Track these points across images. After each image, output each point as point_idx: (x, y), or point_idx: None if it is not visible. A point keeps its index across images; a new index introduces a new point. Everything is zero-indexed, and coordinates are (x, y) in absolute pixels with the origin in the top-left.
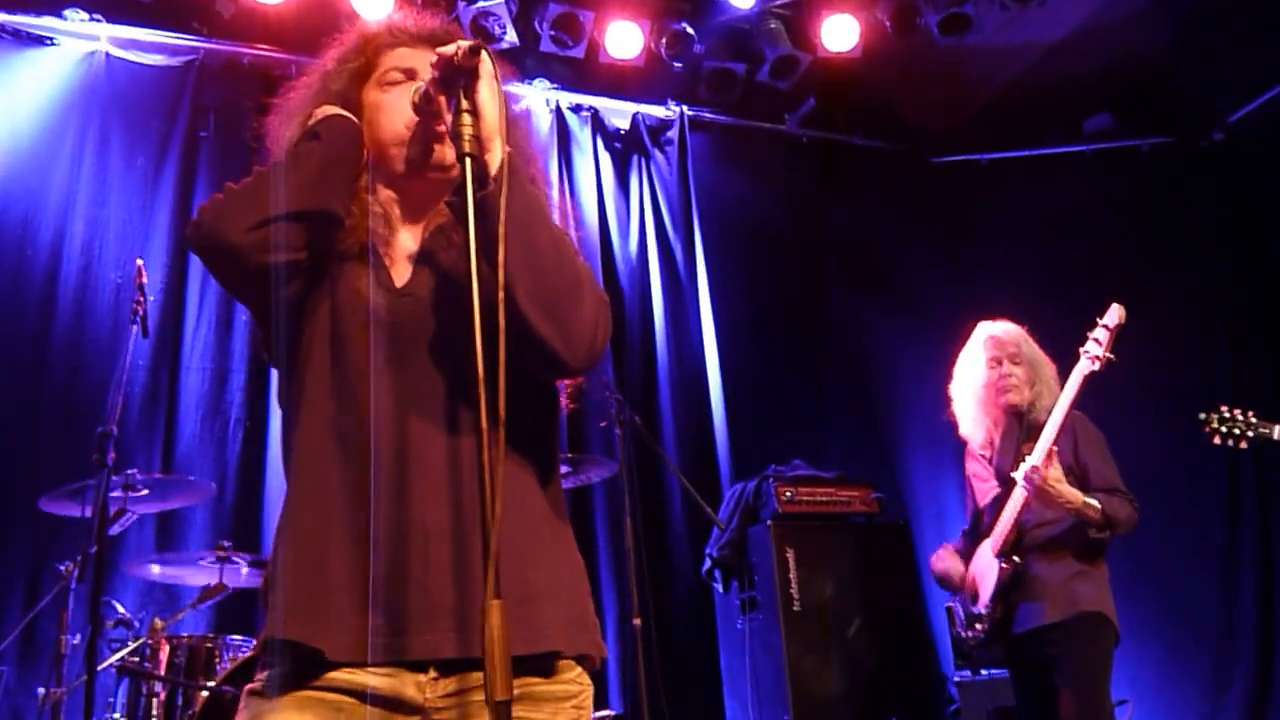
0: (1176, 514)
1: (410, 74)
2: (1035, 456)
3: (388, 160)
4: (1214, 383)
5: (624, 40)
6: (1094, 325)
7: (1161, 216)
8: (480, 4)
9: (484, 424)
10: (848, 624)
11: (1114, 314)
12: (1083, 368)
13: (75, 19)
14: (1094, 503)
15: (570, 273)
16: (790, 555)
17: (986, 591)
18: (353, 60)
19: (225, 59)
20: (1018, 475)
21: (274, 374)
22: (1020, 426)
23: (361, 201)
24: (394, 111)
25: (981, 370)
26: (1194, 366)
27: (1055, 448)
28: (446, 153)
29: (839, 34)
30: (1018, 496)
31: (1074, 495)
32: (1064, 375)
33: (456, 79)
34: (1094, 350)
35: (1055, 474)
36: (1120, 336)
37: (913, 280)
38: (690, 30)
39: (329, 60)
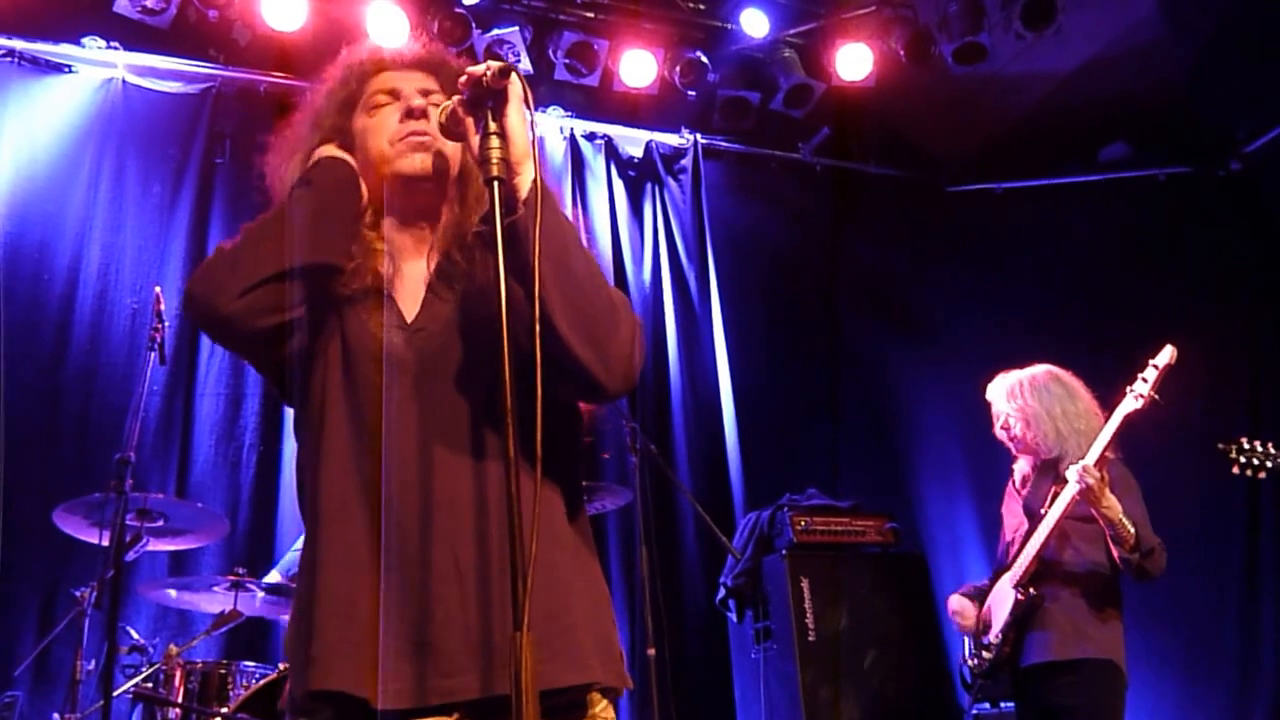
0: (1195, 542)
1: (394, 94)
2: (1089, 458)
3: (380, 179)
4: (1233, 412)
5: (638, 69)
6: (1144, 364)
7: (1178, 246)
8: (495, 32)
9: (511, 454)
10: (863, 655)
11: (1165, 355)
12: (1126, 405)
13: (93, 46)
14: (1129, 524)
15: (606, 297)
16: (805, 585)
17: (999, 621)
18: (340, 91)
19: (241, 86)
20: (1070, 474)
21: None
22: (1053, 471)
23: (364, 240)
24: (379, 131)
25: (997, 429)
26: (1212, 396)
27: (1110, 455)
28: (432, 158)
29: (853, 63)
30: (1042, 531)
31: (1115, 507)
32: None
33: (484, 100)
34: (1140, 389)
35: (1097, 477)
36: (1168, 378)
37: (927, 309)
38: (704, 59)
39: (318, 95)
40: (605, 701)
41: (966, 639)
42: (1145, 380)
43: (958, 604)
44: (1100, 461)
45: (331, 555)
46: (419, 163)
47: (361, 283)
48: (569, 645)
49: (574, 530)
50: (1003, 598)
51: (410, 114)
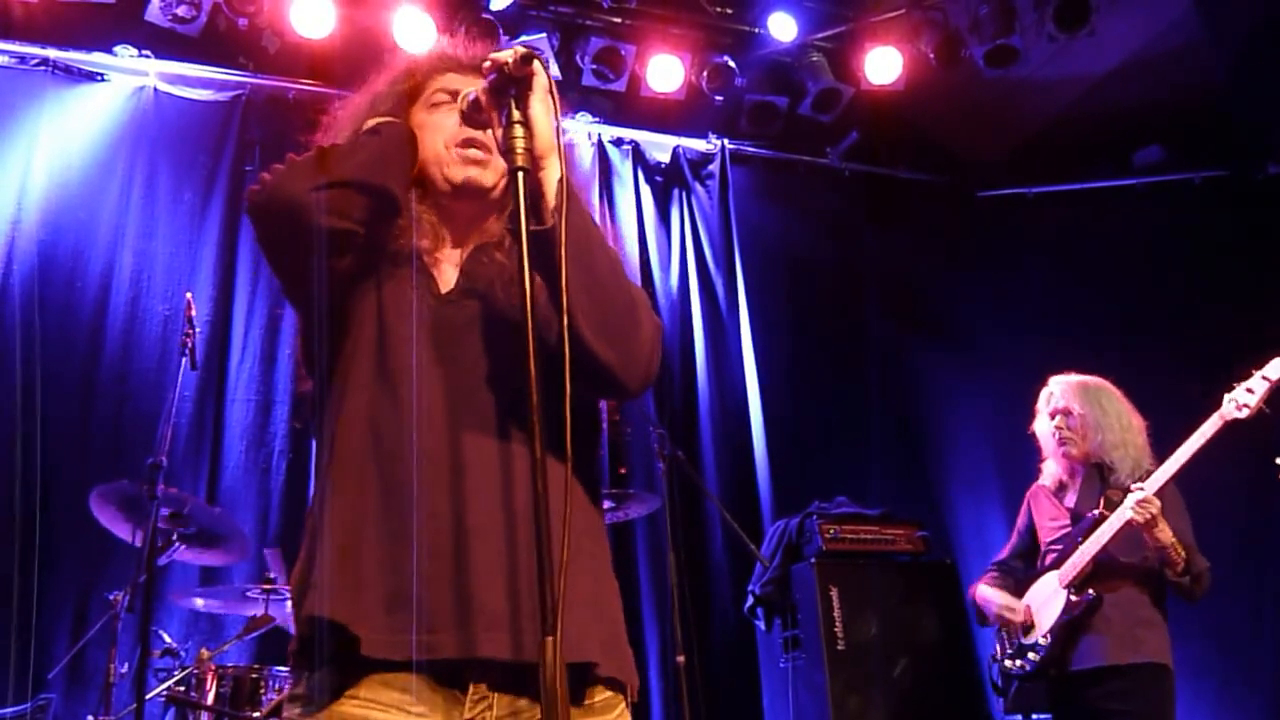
0: (1233, 549)
1: (456, 95)
2: (1150, 487)
3: (430, 180)
4: (1274, 421)
5: (665, 74)
6: (1249, 374)
7: (1214, 251)
8: (522, 38)
9: (537, 453)
10: (893, 664)
11: (1276, 367)
12: (1225, 411)
13: (125, 55)
14: (1180, 549)
15: (627, 296)
16: (834, 593)
17: (1047, 622)
18: (401, 83)
19: (270, 94)
20: (1129, 499)
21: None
22: (1100, 478)
23: (410, 207)
24: (437, 130)
25: (1044, 421)
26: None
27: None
28: (485, 175)
29: (882, 67)
30: (1102, 534)
31: (1167, 533)
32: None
33: (508, 88)
34: (1243, 399)
35: (1158, 508)
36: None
37: (957, 315)
38: (731, 63)
39: (379, 83)
40: (617, 698)
41: (1002, 639)
42: (1252, 391)
43: (1002, 599)
44: (1162, 488)
45: (339, 503)
46: (471, 175)
47: (406, 243)
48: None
49: (583, 518)
50: (1046, 598)
51: (464, 115)
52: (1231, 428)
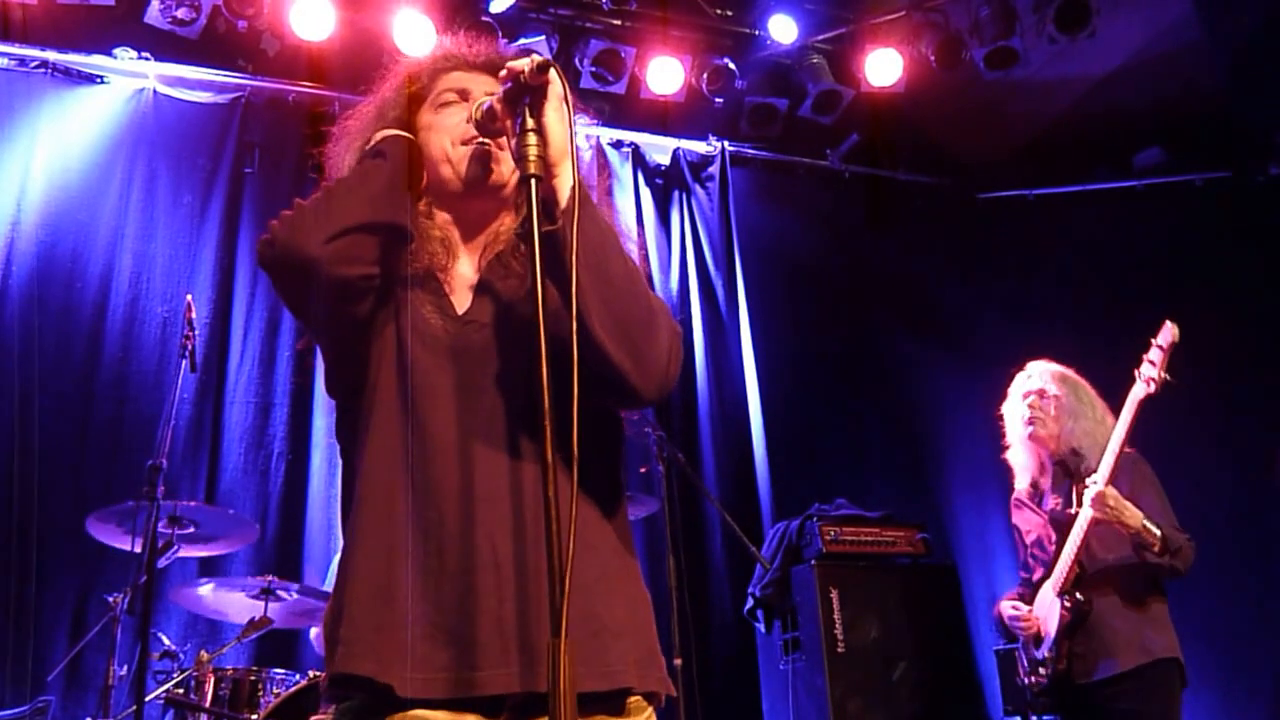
0: (1231, 554)
1: (463, 94)
2: (1099, 479)
3: (441, 179)
4: (1272, 422)
5: (665, 76)
6: (1148, 346)
7: (1214, 253)
8: (522, 41)
9: (549, 458)
10: (893, 666)
11: (1167, 333)
12: (1137, 392)
13: (125, 57)
14: (1153, 528)
15: (644, 304)
16: (834, 595)
17: (1050, 634)
18: (409, 85)
19: (270, 96)
20: (1086, 497)
21: (317, 407)
22: (1067, 474)
23: (421, 226)
24: (445, 130)
25: (1015, 404)
26: (1250, 406)
27: (1127, 449)
28: (502, 171)
29: (883, 69)
30: (1076, 534)
31: (1135, 515)
32: (1117, 410)
33: (522, 96)
34: (1148, 372)
35: (1115, 494)
36: (1175, 355)
37: (958, 317)
38: (732, 65)
39: (387, 87)
40: (649, 709)
41: (1020, 656)
42: (1152, 363)
43: (1011, 608)
44: (1113, 474)
45: (368, 541)
46: (480, 171)
47: (418, 265)
48: (595, 650)
49: (611, 533)
50: (1047, 608)
51: (479, 124)
52: (1225, 432)
